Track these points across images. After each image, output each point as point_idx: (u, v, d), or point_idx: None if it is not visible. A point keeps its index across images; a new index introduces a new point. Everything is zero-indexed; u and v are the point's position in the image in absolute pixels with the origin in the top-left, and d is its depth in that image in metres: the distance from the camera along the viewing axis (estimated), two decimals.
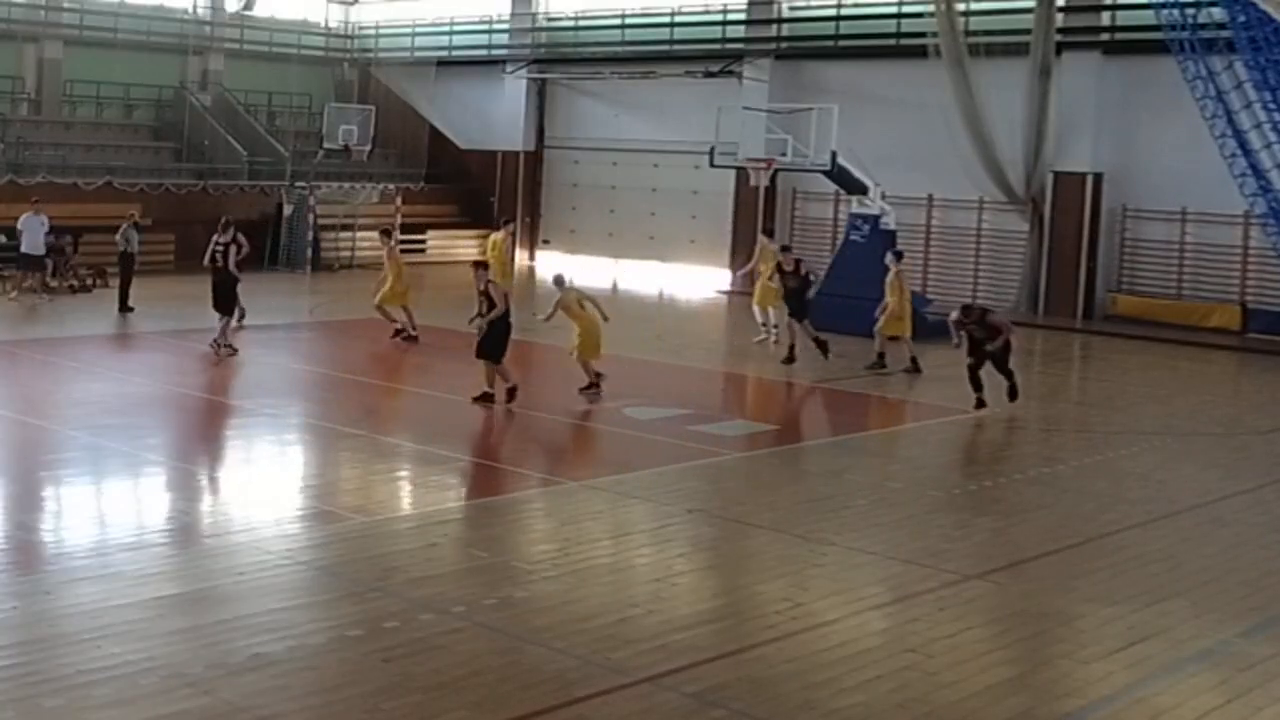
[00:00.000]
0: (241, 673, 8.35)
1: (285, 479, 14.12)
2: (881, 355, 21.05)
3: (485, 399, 17.33)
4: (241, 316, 22.40)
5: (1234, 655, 9.41)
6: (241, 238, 21.88)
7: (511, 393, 17.37)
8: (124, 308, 24.86)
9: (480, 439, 16.60)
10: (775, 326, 23.49)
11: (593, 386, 18.27)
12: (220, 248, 21.15)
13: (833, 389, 20.45)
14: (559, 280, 19.07)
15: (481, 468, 14.75)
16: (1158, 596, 10.59)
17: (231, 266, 20.96)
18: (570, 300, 18.59)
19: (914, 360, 21.04)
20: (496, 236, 27.29)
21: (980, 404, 17.95)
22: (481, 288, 17.53)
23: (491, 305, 17.41)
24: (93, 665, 8.37)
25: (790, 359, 21.49)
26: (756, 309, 23.99)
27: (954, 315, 18.22)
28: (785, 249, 23.13)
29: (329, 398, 18.68)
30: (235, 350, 20.65)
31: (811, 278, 22.19)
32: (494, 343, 17.43)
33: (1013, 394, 18.06)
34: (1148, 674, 9.04)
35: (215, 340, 20.57)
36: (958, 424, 17.73)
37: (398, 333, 22.75)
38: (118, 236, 25.64)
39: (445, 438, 15.99)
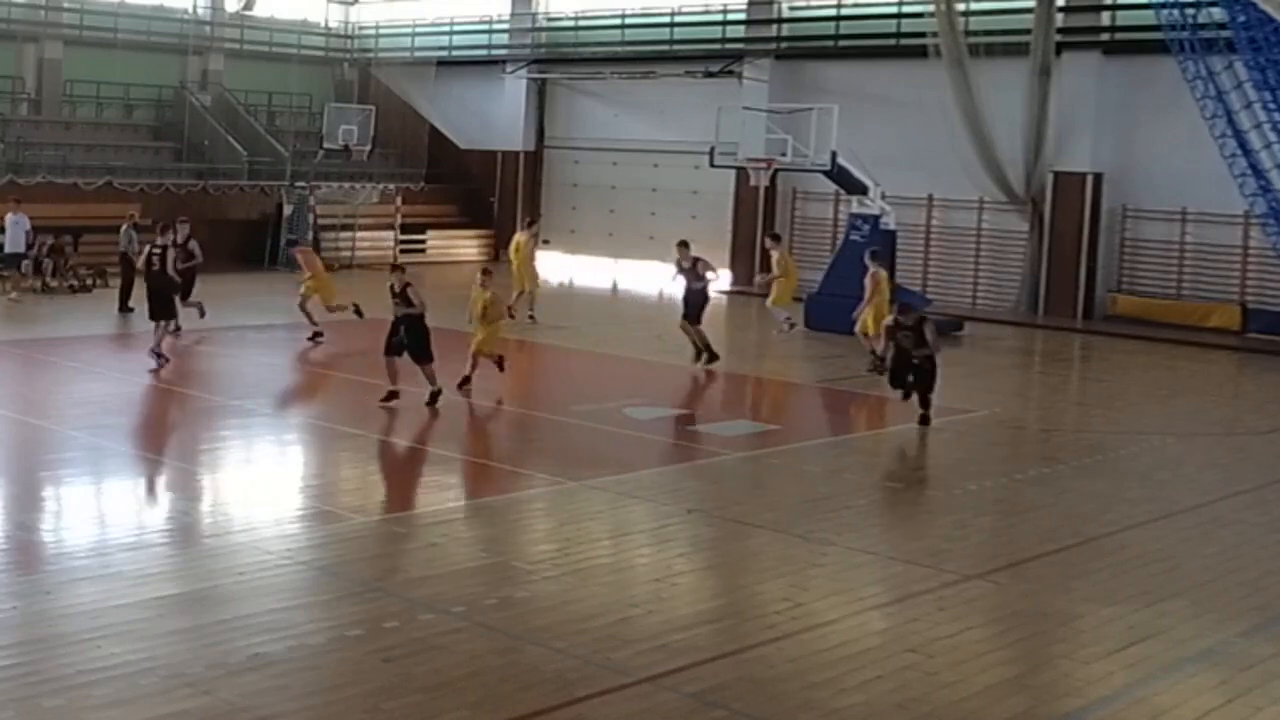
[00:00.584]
0: (241, 673, 8.35)
1: (285, 479, 14.13)
2: (873, 353, 21.03)
3: (434, 399, 16.94)
4: (177, 330, 21.34)
5: (1234, 655, 9.41)
6: (195, 245, 21.73)
7: (435, 396, 16.98)
8: (124, 308, 24.76)
9: (480, 439, 16.60)
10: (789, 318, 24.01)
11: (468, 382, 17.90)
12: (158, 251, 19.95)
13: (833, 389, 20.46)
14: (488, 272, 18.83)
15: (481, 468, 14.75)
16: (1158, 596, 10.59)
17: (170, 269, 19.81)
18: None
19: (877, 356, 21.04)
20: (520, 238, 26.76)
21: (905, 395, 17.11)
22: (399, 289, 16.97)
23: (409, 305, 16.95)
24: (93, 665, 8.37)
25: (703, 358, 21.02)
26: (773, 308, 24.30)
27: (889, 320, 17.45)
28: (683, 244, 22.24)
29: (329, 398, 18.68)
30: (167, 360, 19.19)
31: (710, 276, 21.82)
32: (422, 346, 17.06)
33: (923, 421, 16.88)
34: (1148, 674, 9.04)
35: (151, 349, 19.17)
36: (958, 424, 17.72)
37: (317, 335, 22.43)
38: (119, 237, 25.61)
39: (445, 438, 16.00)
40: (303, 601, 9.90)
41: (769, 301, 24.39)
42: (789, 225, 32.63)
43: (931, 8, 28.36)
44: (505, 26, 38.56)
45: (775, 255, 24.70)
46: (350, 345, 23.62)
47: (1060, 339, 26.79)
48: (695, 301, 21.45)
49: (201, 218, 33.30)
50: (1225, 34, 23.27)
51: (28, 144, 32.89)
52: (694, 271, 21.56)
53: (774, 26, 34.04)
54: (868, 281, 21.27)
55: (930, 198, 30.52)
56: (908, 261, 29.28)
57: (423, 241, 37.43)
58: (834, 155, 25.55)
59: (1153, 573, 11.33)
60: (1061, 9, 28.70)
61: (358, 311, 22.91)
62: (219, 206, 34.30)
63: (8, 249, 26.36)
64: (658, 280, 24.35)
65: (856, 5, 32.45)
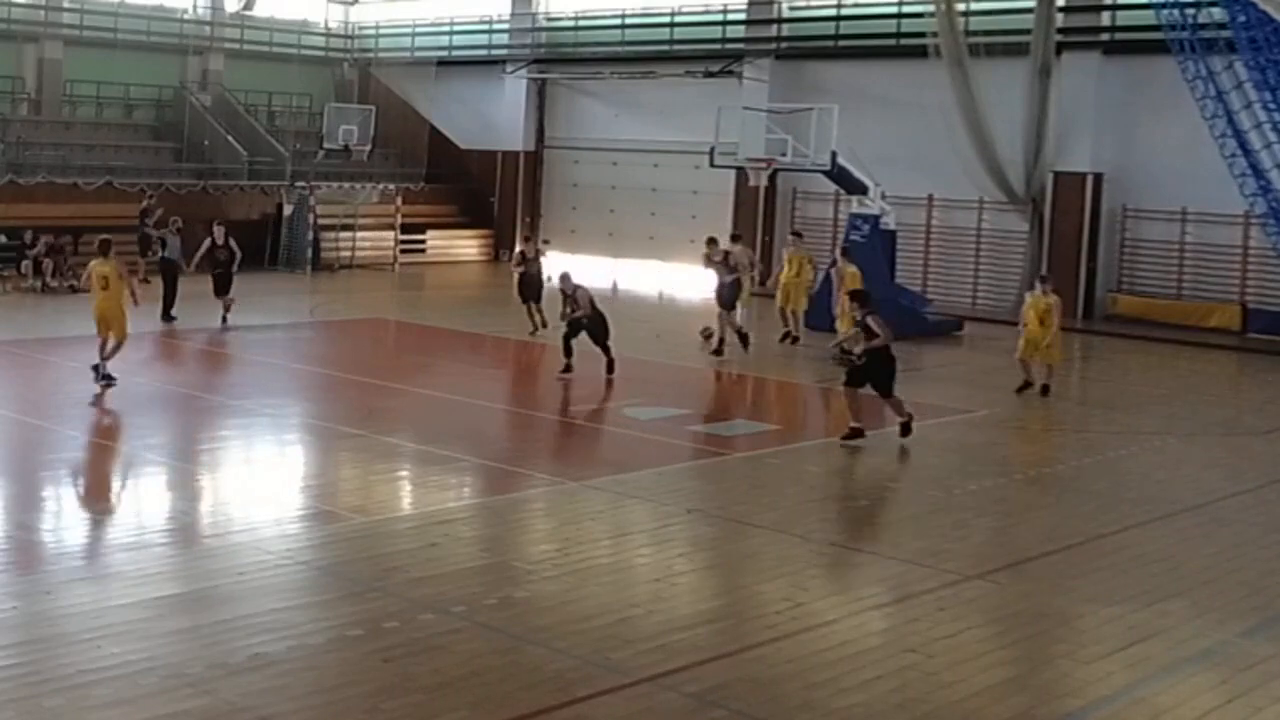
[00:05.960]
0: (241, 673, 8.35)
1: (285, 479, 14.12)
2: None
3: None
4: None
5: (1234, 655, 9.41)
6: (233, 242, 23.26)
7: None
8: (167, 316, 23.77)
9: (480, 439, 16.59)
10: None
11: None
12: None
13: (833, 389, 20.42)
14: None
15: (482, 468, 14.75)
16: (1158, 596, 10.59)
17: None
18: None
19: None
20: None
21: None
22: (571, 293, 19.54)
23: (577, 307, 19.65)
24: (93, 665, 8.37)
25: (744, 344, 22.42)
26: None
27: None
28: (712, 240, 23.58)
29: (329, 398, 18.67)
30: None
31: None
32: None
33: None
34: (1148, 674, 9.04)
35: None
36: (958, 424, 17.73)
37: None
38: (169, 244, 25.06)
39: (445, 438, 15.99)
40: (303, 601, 9.90)
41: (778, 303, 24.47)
42: (789, 225, 32.62)
43: (931, 8, 28.35)
44: (505, 26, 38.56)
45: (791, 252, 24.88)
46: (351, 345, 23.65)
47: (1060, 339, 26.74)
48: (728, 293, 22.47)
49: (201, 218, 33.28)
50: (1225, 34, 23.27)
51: (28, 144, 32.88)
52: (724, 264, 22.33)
53: (774, 26, 34.04)
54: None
55: (930, 198, 30.52)
56: (908, 261, 29.27)
57: (423, 241, 37.43)
58: (834, 155, 25.53)
59: (1153, 573, 11.33)
60: (1061, 9, 28.69)
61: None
62: (219, 206, 34.27)
63: None
64: (675, 279, 24.70)
65: (856, 5, 32.45)
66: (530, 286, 24.07)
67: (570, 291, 19.57)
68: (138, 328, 23.21)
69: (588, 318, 19.55)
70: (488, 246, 38.73)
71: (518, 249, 24.59)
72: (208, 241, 24.03)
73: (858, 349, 15.81)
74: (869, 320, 15.79)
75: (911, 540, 11.98)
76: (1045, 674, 9.18)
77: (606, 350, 19.55)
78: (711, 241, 23.54)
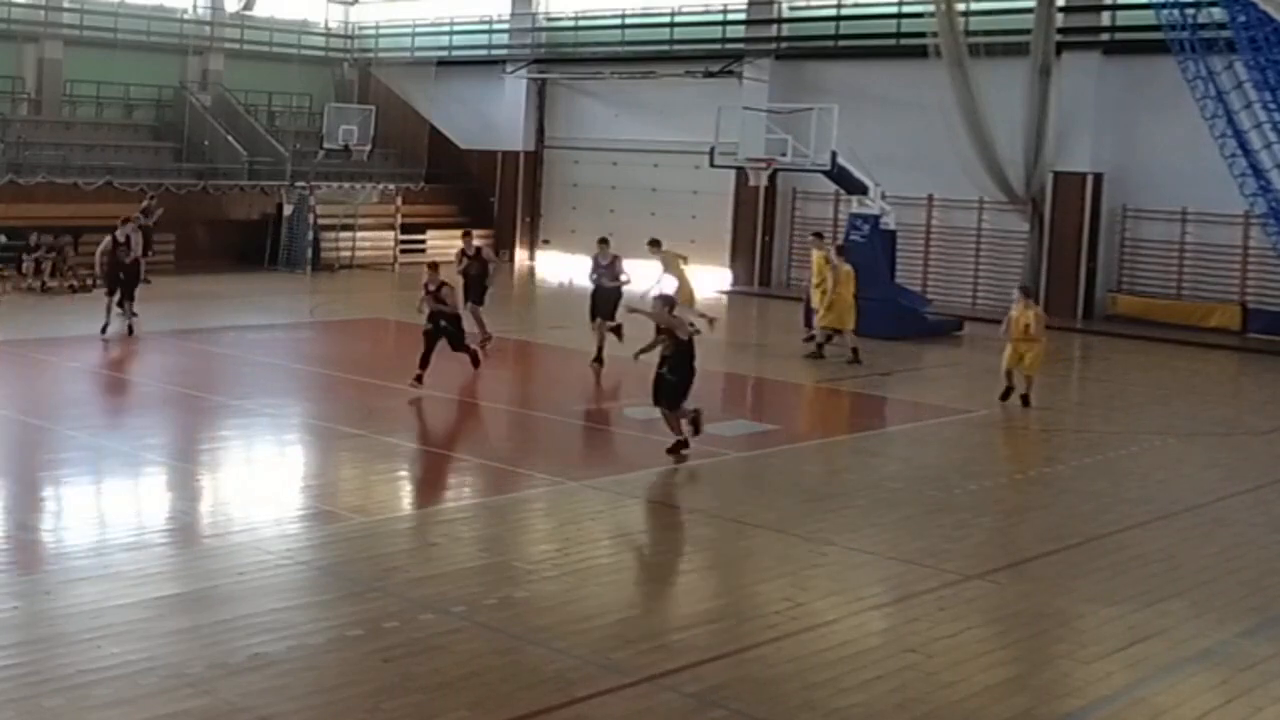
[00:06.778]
0: (241, 673, 8.35)
1: (285, 479, 14.12)
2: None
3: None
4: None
5: (1234, 655, 9.41)
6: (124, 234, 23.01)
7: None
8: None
9: (480, 439, 16.60)
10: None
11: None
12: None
13: (833, 389, 20.46)
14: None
15: (481, 468, 14.75)
16: (1158, 596, 10.59)
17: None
18: None
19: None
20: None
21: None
22: (434, 288, 18.39)
23: (442, 304, 18.48)
24: (93, 665, 8.37)
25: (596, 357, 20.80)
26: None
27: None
28: (603, 241, 22.05)
29: (329, 398, 18.68)
30: None
31: (624, 278, 21.28)
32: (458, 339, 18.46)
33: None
34: (1148, 674, 9.04)
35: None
36: (958, 424, 17.73)
37: None
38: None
39: (445, 438, 15.99)
40: (303, 601, 9.90)
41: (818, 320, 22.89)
42: (789, 225, 32.65)
43: (931, 8, 28.34)
44: (505, 26, 38.58)
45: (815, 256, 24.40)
46: (351, 345, 23.65)
47: (1060, 339, 26.67)
48: (608, 300, 20.98)
49: (202, 218, 33.40)
50: (1225, 34, 23.27)
51: (28, 144, 32.88)
52: (611, 270, 21.36)
53: (774, 26, 34.04)
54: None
55: (930, 198, 30.52)
56: (908, 261, 29.28)
57: (423, 241, 37.41)
58: (834, 155, 25.54)
59: (1153, 573, 11.33)
60: (1061, 9, 28.70)
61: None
62: (219, 206, 34.33)
63: None
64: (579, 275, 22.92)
65: (856, 5, 32.45)
66: (472, 289, 21.60)
67: (435, 288, 18.27)
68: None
69: (454, 319, 18.48)
70: (488, 247, 38.67)
71: (461, 247, 22.40)
72: (108, 240, 23.07)
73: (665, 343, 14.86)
74: (674, 325, 14.89)
75: (911, 540, 11.98)
76: (1045, 674, 9.19)
77: (466, 349, 18.73)
78: (602, 242, 21.82)
